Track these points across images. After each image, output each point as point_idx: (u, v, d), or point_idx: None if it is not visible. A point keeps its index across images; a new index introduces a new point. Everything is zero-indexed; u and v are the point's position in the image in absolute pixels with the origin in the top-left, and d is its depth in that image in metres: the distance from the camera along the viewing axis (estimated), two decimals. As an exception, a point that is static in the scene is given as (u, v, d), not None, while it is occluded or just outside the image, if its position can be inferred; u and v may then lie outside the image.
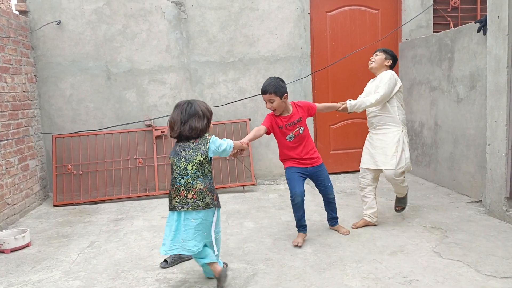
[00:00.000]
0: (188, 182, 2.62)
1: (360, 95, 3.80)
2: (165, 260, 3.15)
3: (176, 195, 2.64)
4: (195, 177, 2.63)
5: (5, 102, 4.36)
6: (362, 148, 3.80)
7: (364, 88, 3.82)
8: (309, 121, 5.55)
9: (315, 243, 3.41)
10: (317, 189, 3.64)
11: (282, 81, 3.32)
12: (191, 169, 2.62)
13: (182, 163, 2.63)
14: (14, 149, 4.47)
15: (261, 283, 2.79)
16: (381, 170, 3.62)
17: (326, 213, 3.73)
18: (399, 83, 3.59)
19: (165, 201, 4.90)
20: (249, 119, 5.41)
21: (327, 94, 5.62)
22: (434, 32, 5.56)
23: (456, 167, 4.58)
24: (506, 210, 3.63)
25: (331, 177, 3.84)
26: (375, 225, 3.72)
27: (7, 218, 4.23)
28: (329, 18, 5.58)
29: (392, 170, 3.51)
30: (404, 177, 3.62)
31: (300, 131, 3.38)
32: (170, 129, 2.69)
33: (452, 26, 5.43)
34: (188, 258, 3.17)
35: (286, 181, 3.35)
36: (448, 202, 4.30)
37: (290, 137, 3.37)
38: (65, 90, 5.23)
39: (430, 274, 2.79)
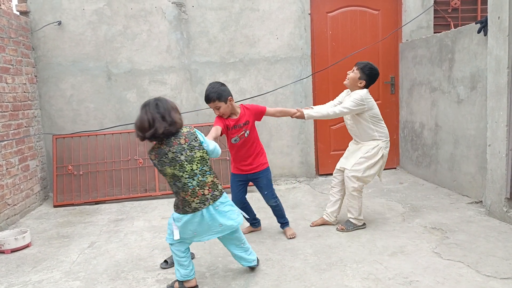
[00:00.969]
0: (200, 180, 2.64)
1: (331, 101, 3.84)
2: (165, 261, 3.15)
3: (195, 197, 2.63)
4: (203, 173, 2.65)
5: (6, 102, 4.37)
6: (362, 149, 3.82)
7: (340, 94, 3.82)
8: (309, 121, 5.55)
9: (315, 244, 3.41)
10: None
11: (223, 85, 3.24)
12: (197, 167, 2.63)
13: (187, 166, 2.60)
14: (15, 150, 4.48)
15: (261, 284, 2.79)
16: None
17: None
18: (369, 106, 3.49)
19: (166, 201, 4.93)
20: (250, 120, 5.40)
21: (327, 95, 5.61)
22: (434, 32, 5.55)
23: (457, 168, 4.58)
24: (507, 211, 3.63)
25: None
26: (333, 224, 3.76)
27: (7, 218, 4.23)
28: (329, 18, 5.59)
29: (348, 169, 3.57)
30: (358, 187, 3.56)
31: (246, 135, 3.34)
32: (141, 130, 2.51)
33: (452, 27, 5.42)
34: (192, 257, 3.16)
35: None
36: (449, 202, 4.30)
37: (235, 140, 3.33)
38: (66, 91, 5.23)
39: (430, 274, 2.79)
